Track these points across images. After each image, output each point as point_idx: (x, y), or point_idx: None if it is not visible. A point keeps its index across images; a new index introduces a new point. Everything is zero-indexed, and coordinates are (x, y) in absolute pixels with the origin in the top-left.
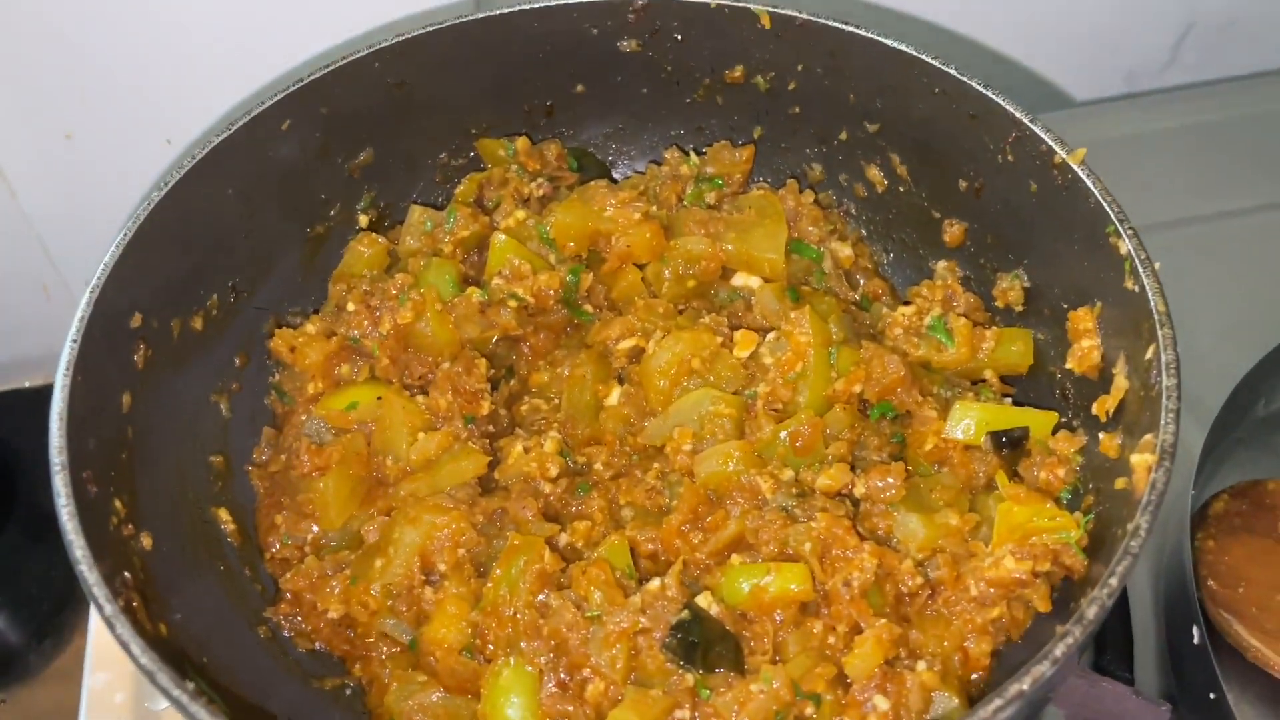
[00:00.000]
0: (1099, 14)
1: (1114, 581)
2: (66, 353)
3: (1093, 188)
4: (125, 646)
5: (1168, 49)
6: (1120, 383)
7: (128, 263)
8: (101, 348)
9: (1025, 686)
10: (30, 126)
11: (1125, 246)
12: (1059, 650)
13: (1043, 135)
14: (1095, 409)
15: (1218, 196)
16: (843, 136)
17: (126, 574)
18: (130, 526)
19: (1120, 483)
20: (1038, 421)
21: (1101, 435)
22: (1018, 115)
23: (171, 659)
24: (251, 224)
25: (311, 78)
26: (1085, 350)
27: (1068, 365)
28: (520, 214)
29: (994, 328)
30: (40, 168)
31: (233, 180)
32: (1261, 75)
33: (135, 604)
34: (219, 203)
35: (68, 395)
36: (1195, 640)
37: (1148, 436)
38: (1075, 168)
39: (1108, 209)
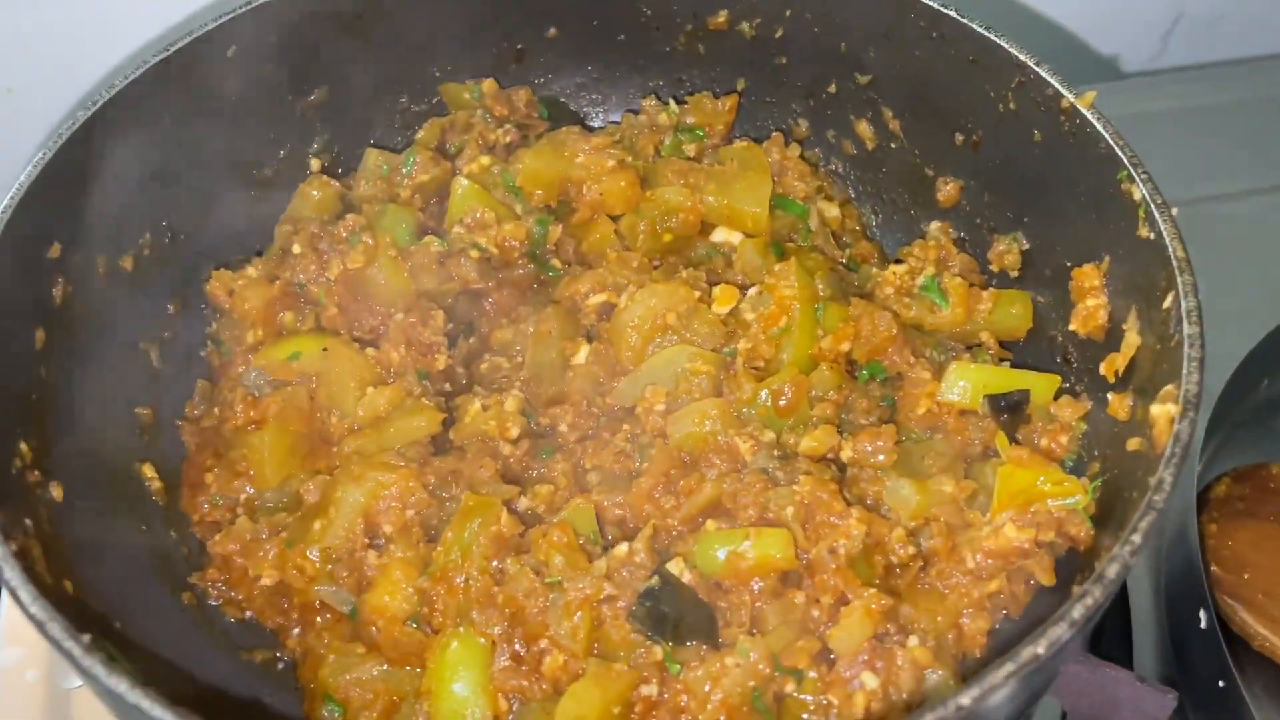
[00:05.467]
0: (1087, 4)
1: (1137, 538)
2: None
3: (1103, 132)
4: (13, 592)
5: (1156, 39)
6: (1132, 339)
7: (48, 185)
8: (12, 275)
9: (1040, 650)
10: None
11: (1139, 192)
12: (1077, 612)
13: (1049, 79)
14: (1103, 369)
15: (1211, 181)
16: (831, 89)
17: (28, 521)
18: (36, 473)
19: (1134, 443)
20: (1039, 385)
21: (1109, 396)
22: (1022, 59)
23: (75, 617)
24: (191, 159)
25: (262, 0)
26: (1090, 310)
27: (1070, 327)
28: (485, 160)
29: (990, 289)
30: None
31: (169, 107)
32: (1257, 59)
33: (34, 553)
34: (154, 131)
35: None
36: (1203, 625)
37: (1168, 387)
38: (1084, 112)
39: (1120, 154)
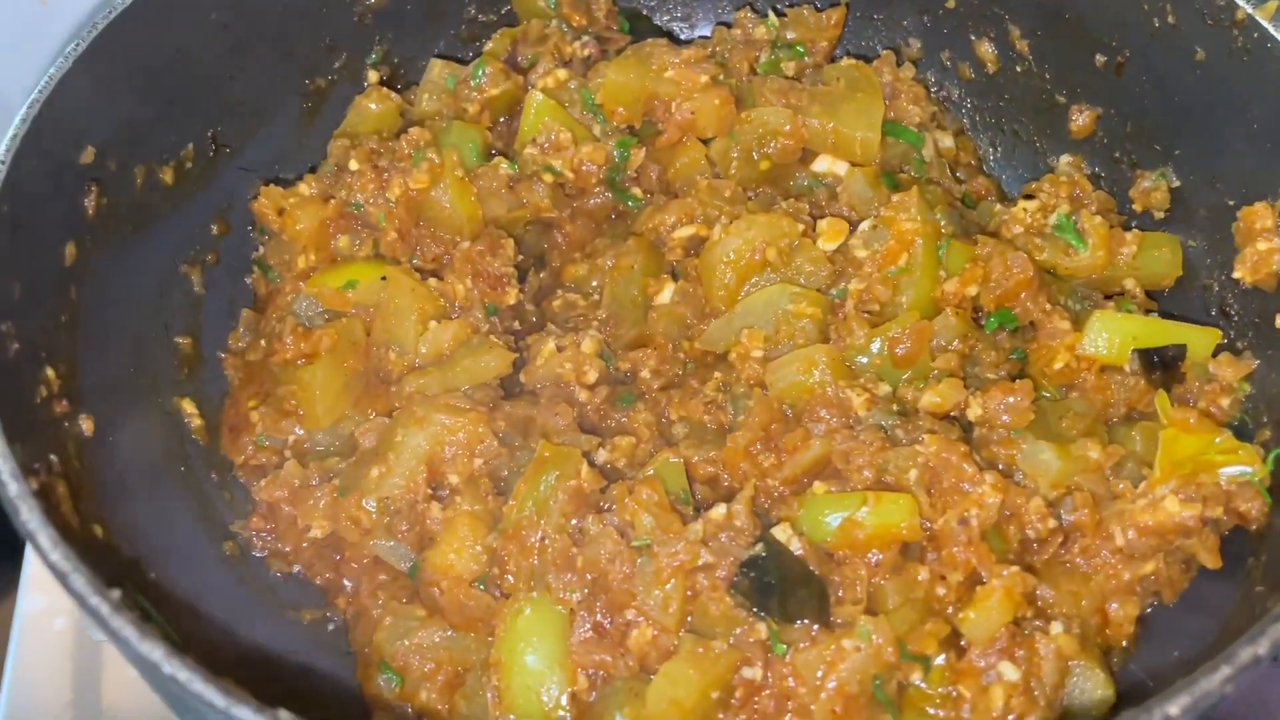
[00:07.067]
0: None
1: None
2: None
3: None
4: (30, 537)
5: None
6: None
7: (81, 80)
8: (39, 178)
9: (1261, 650)
10: None
11: None
12: None
13: None
14: (1279, 323)
15: None
16: (949, 4)
17: (53, 456)
18: (65, 403)
19: None
20: (1197, 339)
21: None
22: None
23: (105, 566)
24: (240, 65)
25: None
26: (1261, 254)
27: (1235, 275)
28: (561, 74)
29: (1134, 230)
30: (12, 39)
31: (219, 5)
32: None
33: (60, 492)
34: (201, 30)
35: None
36: None
37: None
38: (1265, 24)
39: None
